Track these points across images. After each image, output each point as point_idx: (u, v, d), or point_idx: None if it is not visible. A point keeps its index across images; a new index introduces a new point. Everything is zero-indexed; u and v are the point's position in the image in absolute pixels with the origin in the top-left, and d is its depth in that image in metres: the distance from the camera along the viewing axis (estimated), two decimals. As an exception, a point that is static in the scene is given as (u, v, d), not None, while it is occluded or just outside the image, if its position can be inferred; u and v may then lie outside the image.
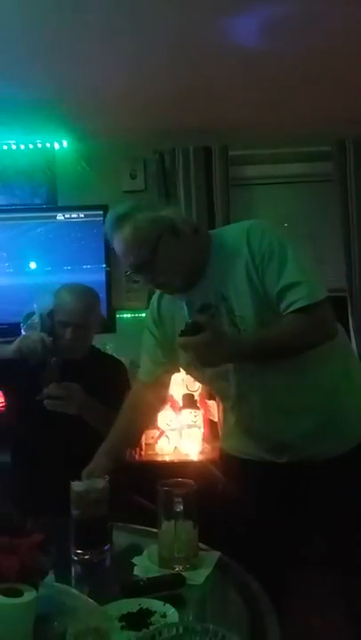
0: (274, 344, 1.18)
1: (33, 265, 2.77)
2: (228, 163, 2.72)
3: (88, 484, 1.18)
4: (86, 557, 1.11)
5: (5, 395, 1.78)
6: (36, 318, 1.65)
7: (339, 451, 1.24)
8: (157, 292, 1.41)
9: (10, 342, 1.60)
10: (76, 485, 1.16)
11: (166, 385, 1.47)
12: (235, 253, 1.23)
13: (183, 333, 1.17)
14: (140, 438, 1.74)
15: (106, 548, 1.14)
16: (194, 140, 2.71)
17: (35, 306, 1.71)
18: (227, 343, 1.17)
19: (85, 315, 1.60)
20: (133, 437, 1.49)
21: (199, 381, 1.47)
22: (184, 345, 1.16)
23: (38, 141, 2.79)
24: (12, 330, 2.35)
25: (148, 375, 1.43)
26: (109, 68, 2.13)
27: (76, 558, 1.11)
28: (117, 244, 1.26)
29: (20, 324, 2.00)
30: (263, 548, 1.24)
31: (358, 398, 1.29)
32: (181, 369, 1.43)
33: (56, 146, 2.81)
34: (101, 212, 2.75)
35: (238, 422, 1.33)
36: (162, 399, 1.48)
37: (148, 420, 1.48)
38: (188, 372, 1.43)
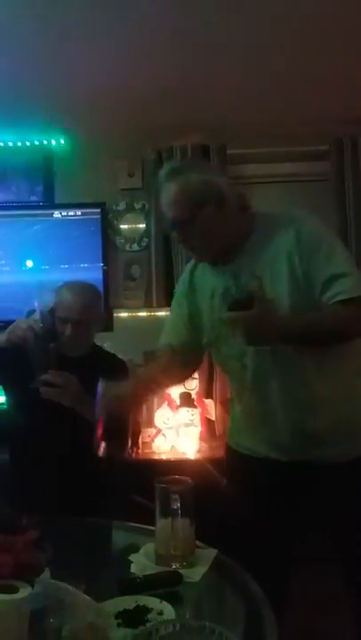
0: (320, 329, 1.16)
1: (30, 263, 2.76)
2: (225, 161, 2.72)
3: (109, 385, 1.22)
4: (106, 451, 1.15)
5: (3, 387, 1.77)
6: (36, 315, 1.65)
7: (345, 456, 1.22)
8: (191, 262, 1.39)
9: None
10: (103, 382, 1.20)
11: (183, 358, 1.39)
12: (278, 236, 1.21)
13: (232, 307, 1.11)
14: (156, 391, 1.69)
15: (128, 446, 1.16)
16: (192, 139, 2.71)
17: (36, 303, 1.70)
18: (277, 321, 1.13)
19: (85, 311, 1.60)
20: (153, 388, 1.46)
21: (215, 359, 1.43)
22: (233, 319, 1.12)
23: (36, 139, 2.78)
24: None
25: (166, 341, 1.39)
26: (108, 65, 2.13)
27: (99, 453, 1.16)
28: (163, 196, 1.25)
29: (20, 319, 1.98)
30: (265, 547, 1.23)
31: None
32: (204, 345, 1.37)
33: (53, 143, 2.81)
34: (99, 210, 2.76)
35: (246, 410, 1.31)
36: (187, 368, 1.42)
37: (168, 381, 1.43)
38: (207, 347, 1.38)
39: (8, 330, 1.55)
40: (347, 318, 1.16)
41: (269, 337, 1.14)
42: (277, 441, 1.26)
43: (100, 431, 1.20)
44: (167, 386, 1.63)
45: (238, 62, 2.13)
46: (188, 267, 1.39)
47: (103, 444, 1.17)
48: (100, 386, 1.22)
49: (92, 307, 1.64)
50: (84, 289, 1.65)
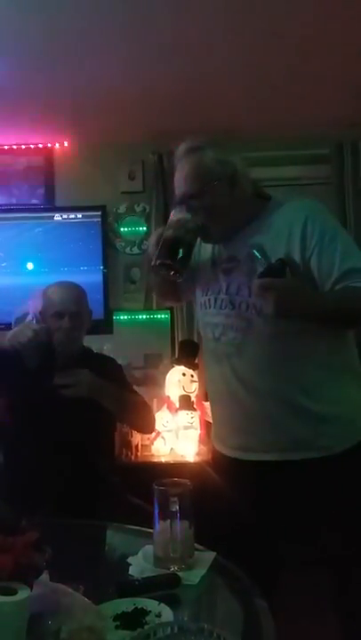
0: (350, 308, 1.14)
1: (30, 265, 2.77)
2: (226, 165, 2.73)
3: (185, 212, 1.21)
4: (166, 270, 1.18)
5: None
6: (30, 319, 1.67)
7: (327, 451, 1.21)
8: None
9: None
10: (176, 212, 1.20)
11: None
12: (285, 223, 1.20)
13: (265, 273, 1.08)
14: None
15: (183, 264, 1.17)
16: (192, 142, 2.71)
17: (29, 311, 1.73)
18: (311, 291, 1.13)
19: (78, 303, 1.64)
20: None
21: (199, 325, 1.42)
22: (267, 286, 1.09)
23: (37, 141, 2.79)
24: (9, 330, 2.35)
25: None
26: (109, 68, 2.14)
27: (157, 268, 1.20)
28: (177, 172, 1.26)
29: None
30: (254, 548, 1.23)
31: (346, 401, 1.24)
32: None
33: (55, 146, 2.82)
34: (99, 213, 2.76)
35: (213, 390, 1.31)
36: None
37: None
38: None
39: (13, 334, 1.57)
40: None
41: (300, 307, 1.12)
42: (239, 426, 1.25)
43: None
44: None
45: (239, 66, 2.14)
46: None
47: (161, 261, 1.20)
48: None
49: (84, 300, 1.68)
50: (70, 284, 1.70)
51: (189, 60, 2.09)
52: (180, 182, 1.25)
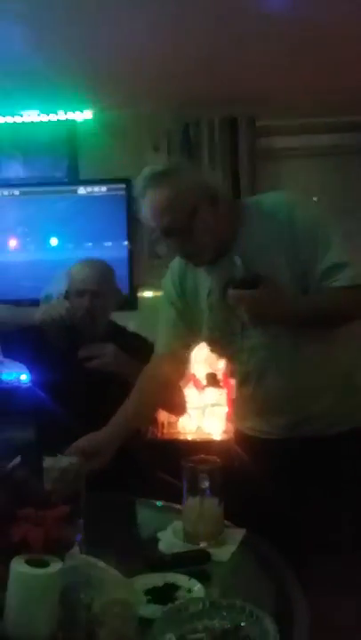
0: (327, 310, 1.16)
1: (54, 241, 2.75)
2: (254, 134, 2.64)
3: (55, 460, 1.12)
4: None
5: (29, 369, 1.79)
6: (54, 301, 1.67)
7: (353, 424, 1.21)
8: (176, 265, 1.33)
9: None
10: (45, 461, 1.12)
11: (185, 360, 1.41)
12: (271, 224, 1.17)
13: (238, 285, 1.12)
14: (153, 414, 1.71)
15: None
16: (219, 111, 2.62)
17: (52, 289, 1.72)
18: (285, 301, 1.14)
19: (100, 282, 1.60)
20: (147, 412, 1.44)
21: (217, 352, 1.42)
22: (238, 298, 1.12)
23: (60, 112, 2.73)
24: (32, 306, 2.35)
25: (166, 347, 1.36)
26: (134, 37, 2.06)
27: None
28: (150, 203, 1.17)
29: (40, 300, 2.00)
30: (284, 526, 1.22)
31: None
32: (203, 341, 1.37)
33: (78, 117, 2.76)
34: (124, 186, 2.71)
35: (250, 398, 1.30)
36: (181, 374, 1.42)
37: (164, 395, 1.42)
38: (209, 344, 1.37)
39: (43, 310, 1.56)
40: (349, 301, 1.15)
41: (273, 316, 1.15)
42: (281, 423, 1.25)
43: None
44: (160, 403, 1.52)
45: (268, 31, 2.03)
46: (175, 270, 1.32)
47: None
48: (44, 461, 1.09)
49: (108, 279, 1.64)
50: (95, 262, 1.67)
51: (215, 26, 2.00)
52: (157, 216, 1.16)
